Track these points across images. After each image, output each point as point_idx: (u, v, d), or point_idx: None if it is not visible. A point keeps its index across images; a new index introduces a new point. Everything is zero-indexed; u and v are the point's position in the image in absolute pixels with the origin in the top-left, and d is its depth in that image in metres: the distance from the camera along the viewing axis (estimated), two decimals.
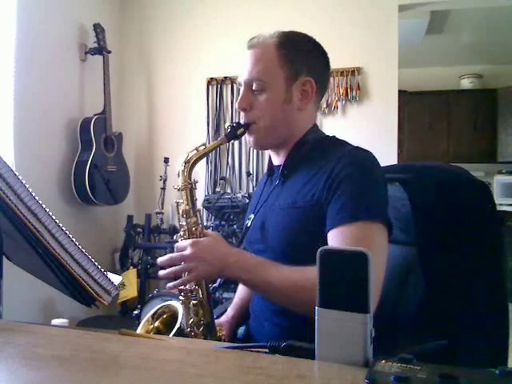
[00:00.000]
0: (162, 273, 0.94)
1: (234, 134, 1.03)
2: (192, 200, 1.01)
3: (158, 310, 1.02)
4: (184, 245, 0.92)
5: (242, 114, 1.05)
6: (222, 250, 0.94)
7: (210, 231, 1.02)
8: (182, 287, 0.99)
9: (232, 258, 0.92)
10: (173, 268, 0.92)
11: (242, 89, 1.04)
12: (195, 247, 0.91)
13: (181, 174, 1.01)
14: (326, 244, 0.89)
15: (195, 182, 1.02)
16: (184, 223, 1.00)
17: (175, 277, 0.93)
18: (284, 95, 1.02)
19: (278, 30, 1.05)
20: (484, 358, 0.96)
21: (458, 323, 0.98)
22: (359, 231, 0.88)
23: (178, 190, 1.02)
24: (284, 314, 0.96)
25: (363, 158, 0.97)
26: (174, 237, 3.05)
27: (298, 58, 1.03)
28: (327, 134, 1.10)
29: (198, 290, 0.99)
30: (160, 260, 0.93)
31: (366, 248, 0.83)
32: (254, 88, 1.02)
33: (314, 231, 0.93)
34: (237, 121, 1.07)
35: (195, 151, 1.02)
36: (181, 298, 1.00)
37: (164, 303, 1.03)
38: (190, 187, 1.01)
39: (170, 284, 0.94)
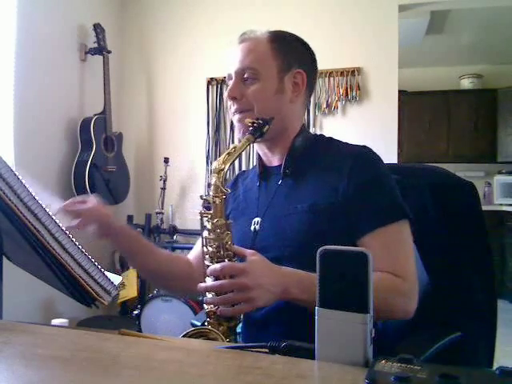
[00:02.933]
0: (208, 299, 0.83)
1: (261, 131, 0.93)
2: (226, 213, 0.90)
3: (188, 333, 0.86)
4: (236, 270, 0.80)
5: (234, 103, 1.02)
6: (276, 271, 0.82)
7: (247, 250, 0.86)
8: (210, 307, 0.86)
9: (291, 279, 0.82)
10: (225, 296, 0.80)
11: (232, 81, 1.04)
12: (252, 275, 0.78)
13: (213, 184, 0.87)
14: None
15: (228, 192, 0.89)
16: (213, 237, 0.87)
17: (224, 303, 0.81)
18: (276, 86, 1.01)
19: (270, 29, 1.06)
20: (485, 343, 1.04)
21: (457, 316, 1.03)
22: (397, 231, 0.90)
23: (209, 203, 0.88)
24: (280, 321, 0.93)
25: (376, 157, 0.98)
26: (175, 237, 3.04)
27: (290, 51, 1.03)
28: (324, 134, 1.12)
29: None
30: (206, 286, 0.83)
31: (407, 247, 0.91)
32: (245, 76, 1.01)
33: (339, 234, 0.91)
34: (257, 118, 0.95)
35: (227, 156, 0.89)
36: (209, 321, 0.87)
37: (193, 328, 0.89)
38: (223, 198, 0.88)
39: (222, 309, 0.81)
